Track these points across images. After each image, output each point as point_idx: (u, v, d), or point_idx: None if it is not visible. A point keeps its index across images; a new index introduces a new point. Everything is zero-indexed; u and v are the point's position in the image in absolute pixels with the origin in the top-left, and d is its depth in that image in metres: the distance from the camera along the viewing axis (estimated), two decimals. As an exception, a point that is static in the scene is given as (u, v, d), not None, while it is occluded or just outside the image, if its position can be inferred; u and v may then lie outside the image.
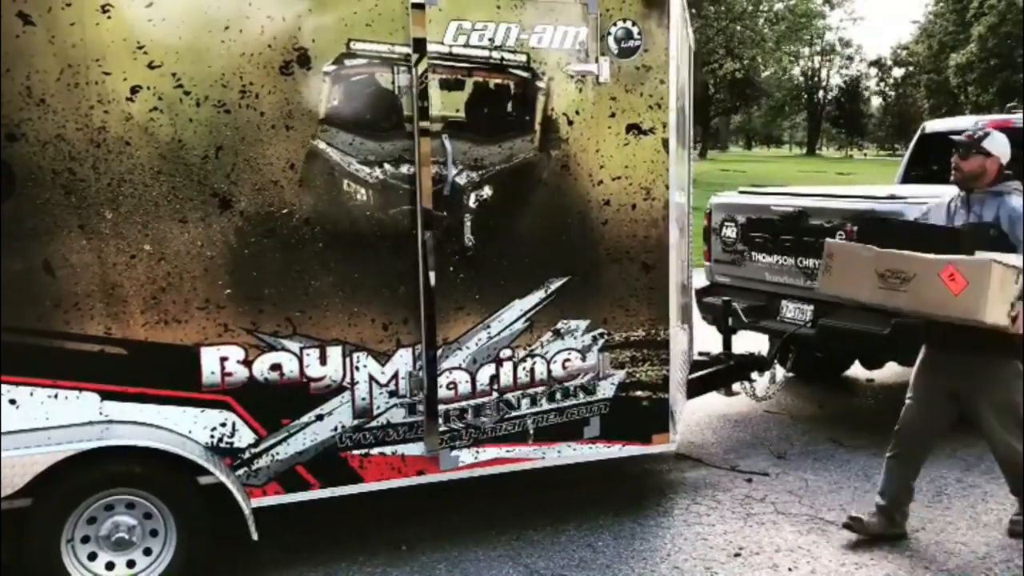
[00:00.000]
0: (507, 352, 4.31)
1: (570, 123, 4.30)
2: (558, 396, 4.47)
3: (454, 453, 4.25)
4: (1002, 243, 4.02)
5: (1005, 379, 4.12)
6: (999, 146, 4.20)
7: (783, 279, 6.43)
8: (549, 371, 4.43)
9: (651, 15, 4.36)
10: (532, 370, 4.39)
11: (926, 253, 3.94)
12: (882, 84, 74.67)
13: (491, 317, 4.27)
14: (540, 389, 4.42)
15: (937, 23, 52.28)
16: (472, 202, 4.17)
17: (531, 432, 4.42)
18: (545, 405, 4.45)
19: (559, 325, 4.41)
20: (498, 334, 4.29)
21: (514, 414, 4.38)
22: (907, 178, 8.01)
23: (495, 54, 4.13)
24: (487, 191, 4.20)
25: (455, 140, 4.09)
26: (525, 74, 4.20)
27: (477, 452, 4.31)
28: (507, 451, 4.38)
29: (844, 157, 70.01)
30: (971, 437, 5.93)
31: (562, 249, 4.37)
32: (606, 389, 4.56)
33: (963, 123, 7.95)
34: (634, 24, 4.33)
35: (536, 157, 4.27)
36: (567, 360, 4.46)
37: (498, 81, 4.18)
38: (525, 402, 4.40)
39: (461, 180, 4.14)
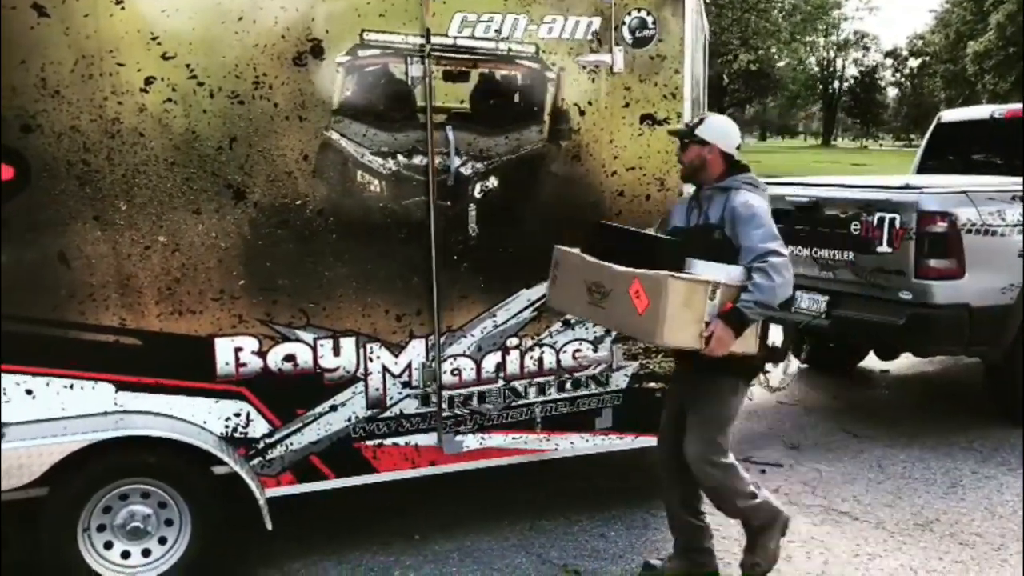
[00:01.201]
0: (514, 341, 4.31)
1: (582, 113, 4.28)
2: (569, 386, 4.47)
3: (458, 438, 4.25)
4: (727, 247, 3.55)
5: (719, 393, 3.66)
6: (716, 132, 3.70)
7: (797, 270, 6.31)
8: (559, 361, 4.42)
9: (666, 4, 4.33)
10: (540, 359, 4.38)
11: (640, 263, 3.48)
12: (898, 74, 74.11)
13: (497, 306, 4.26)
14: (549, 378, 4.42)
15: (954, 12, 51.75)
16: (477, 192, 4.17)
17: (539, 420, 4.42)
18: (554, 394, 4.44)
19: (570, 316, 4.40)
20: (504, 323, 4.29)
21: (521, 402, 4.37)
22: (923, 168, 7.95)
23: (502, 45, 4.12)
24: (493, 181, 4.19)
25: (459, 131, 4.09)
26: (534, 65, 4.19)
27: (483, 438, 4.31)
28: (514, 438, 4.38)
29: (859, 148, 69.58)
30: (985, 428, 5.92)
31: (574, 239, 4.35)
32: (619, 380, 4.55)
33: (979, 112, 7.90)
34: (649, 13, 4.30)
35: (545, 148, 4.26)
36: (578, 351, 4.45)
37: (505, 72, 4.17)
38: (533, 390, 4.40)
39: (466, 170, 4.13)
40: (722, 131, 3.73)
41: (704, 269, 3.48)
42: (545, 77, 4.21)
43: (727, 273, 3.47)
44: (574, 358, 4.45)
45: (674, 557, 3.95)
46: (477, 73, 4.11)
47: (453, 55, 4.05)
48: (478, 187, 4.16)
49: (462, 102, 4.11)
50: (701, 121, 3.75)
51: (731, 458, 3.70)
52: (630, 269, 3.46)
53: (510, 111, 4.20)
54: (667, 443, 3.88)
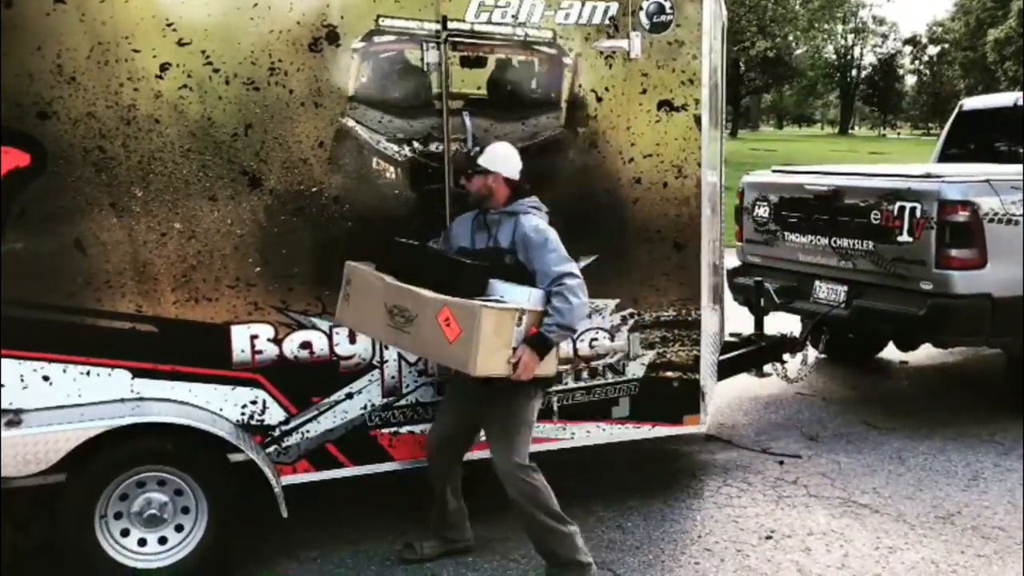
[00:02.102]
0: None
1: (599, 100, 4.24)
2: (585, 375, 4.43)
3: None
4: (520, 271, 3.61)
5: (515, 400, 3.66)
6: (497, 160, 3.73)
7: (816, 259, 6.34)
8: (575, 349, 4.39)
9: (684, -11, 4.28)
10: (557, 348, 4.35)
11: (436, 287, 3.48)
12: (917, 62, 73.42)
13: None
14: (566, 367, 4.39)
15: (975, -1, 51.27)
16: None
17: (555, 409, 4.39)
18: (571, 384, 4.41)
19: None
20: None
21: None
22: (944, 156, 7.86)
23: (518, 31, 4.08)
24: None
25: (475, 117, 4.05)
26: (551, 51, 4.14)
27: None
28: None
29: (877, 136, 69.04)
30: (1007, 420, 5.85)
31: (589, 227, 4.31)
32: (636, 369, 4.51)
33: (1002, 99, 7.80)
34: (667, -2, 4.25)
35: (562, 134, 4.22)
36: (594, 339, 4.42)
37: (522, 58, 4.13)
38: None
39: None
40: (503, 159, 3.76)
41: (507, 290, 3.51)
42: (562, 63, 4.17)
43: (530, 296, 3.52)
44: (591, 347, 4.41)
45: (431, 538, 4.07)
46: (494, 59, 4.08)
47: (469, 41, 4.01)
48: None
49: (479, 88, 4.08)
50: (482, 150, 3.79)
51: (539, 473, 3.69)
52: (439, 296, 3.45)
53: (527, 97, 4.16)
54: (444, 429, 3.92)
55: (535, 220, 3.71)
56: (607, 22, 4.19)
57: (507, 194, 3.77)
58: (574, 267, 3.61)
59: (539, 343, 3.49)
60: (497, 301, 3.49)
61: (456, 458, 3.98)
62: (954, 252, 5.51)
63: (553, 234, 3.67)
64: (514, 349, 3.46)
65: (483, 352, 3.39)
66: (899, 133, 75.41)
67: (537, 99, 4.18)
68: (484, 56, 4.06)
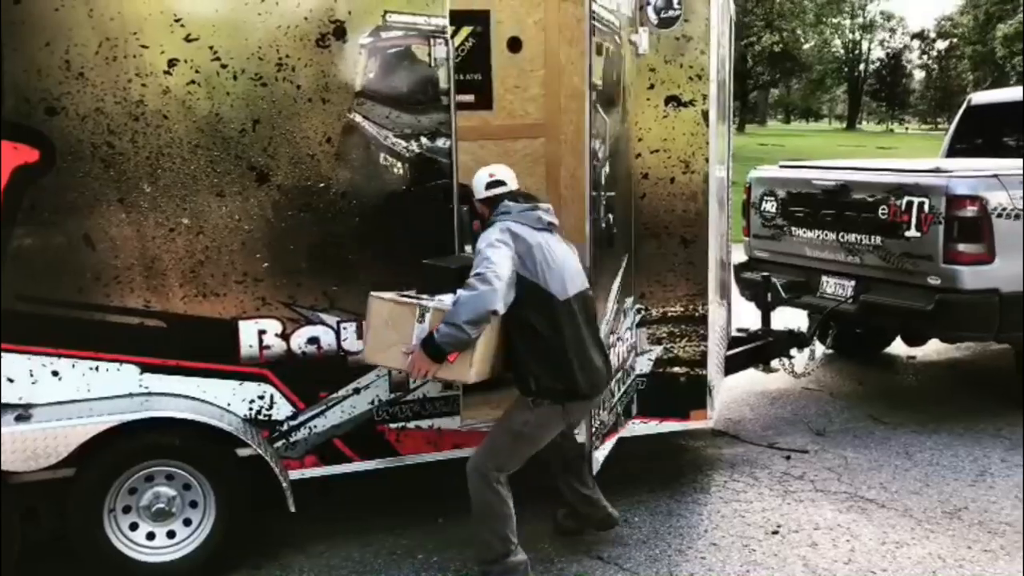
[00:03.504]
0: None
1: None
2: (620, 376, 4.42)
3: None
4: None
5: (514, 405, 3.69)
6: (475, 188, 3.82)
7: (823, 254, 6.33)
8: (620, 357, 4.37)
9: (692, -16, 4.28)
10: None
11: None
12: (925, 56, 73.09)
13: None
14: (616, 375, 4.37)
15: (984, -7, 50.97)
16: None
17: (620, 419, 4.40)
18: (617, 393, 4.40)
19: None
20: None
21: None
22: (952, 151, 7.83)
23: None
24: None
25: None
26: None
27: None
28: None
29: (885, 131, 68.77)
30: (1015, 415, 5.84)
31: (615, 225, 4.31)
32: (643, 365, 4.52)
33: (1011, 94, 7.76)
34: (674, -7, 4.25)
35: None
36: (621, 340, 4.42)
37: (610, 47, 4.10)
38: None
39: None
40: (475, 184, 3.85)
41: (434, 293, 3.57)
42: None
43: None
44: (627, 351, 4.42)
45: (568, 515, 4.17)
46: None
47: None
48: None
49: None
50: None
51: (504, 489, 3.63)
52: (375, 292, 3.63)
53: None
54: None
55: (491, 229, 3.63)
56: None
57: (487, 212, 3.78)
58: (483, 266, 3.40)
59: (427, 343, 3.39)
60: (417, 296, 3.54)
61: (557, 453, 3.94)
62: (962, 247, 5.49)
63: (497, 239, 3.52)
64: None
65: (372, 342, 3.59)
66: (907, 128, 75.02)
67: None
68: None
